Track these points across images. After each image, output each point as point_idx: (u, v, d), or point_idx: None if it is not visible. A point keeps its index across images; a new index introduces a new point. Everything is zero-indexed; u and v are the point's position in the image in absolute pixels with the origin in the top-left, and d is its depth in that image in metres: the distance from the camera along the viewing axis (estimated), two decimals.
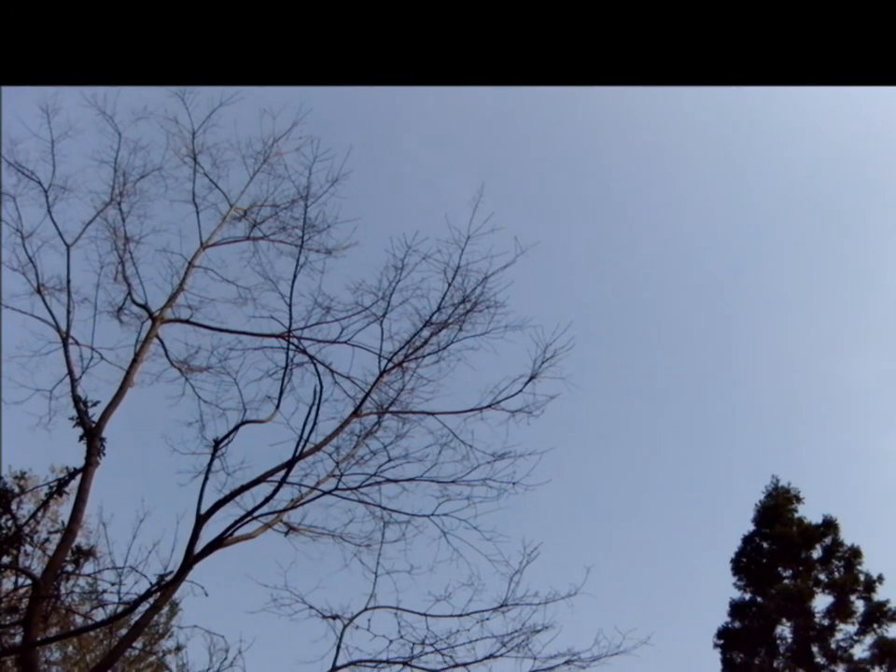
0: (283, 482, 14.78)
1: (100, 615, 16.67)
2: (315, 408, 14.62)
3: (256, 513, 14.75)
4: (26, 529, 17.10)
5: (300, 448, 14.76)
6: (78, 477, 15.99)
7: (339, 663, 14.70)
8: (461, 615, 15.20)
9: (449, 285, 16.38)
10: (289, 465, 14.82)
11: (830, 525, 38.16)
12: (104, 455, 16.19)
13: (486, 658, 14.98)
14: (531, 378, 16.25)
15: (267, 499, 14.67)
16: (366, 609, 15.31)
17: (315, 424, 14.77)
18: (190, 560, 14.50)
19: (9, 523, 17.03)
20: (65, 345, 17.33)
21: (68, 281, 17.96)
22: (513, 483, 15.87)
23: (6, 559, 17.02)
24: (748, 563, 38.62)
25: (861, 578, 36.94)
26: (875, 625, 35.90)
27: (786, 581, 37.38)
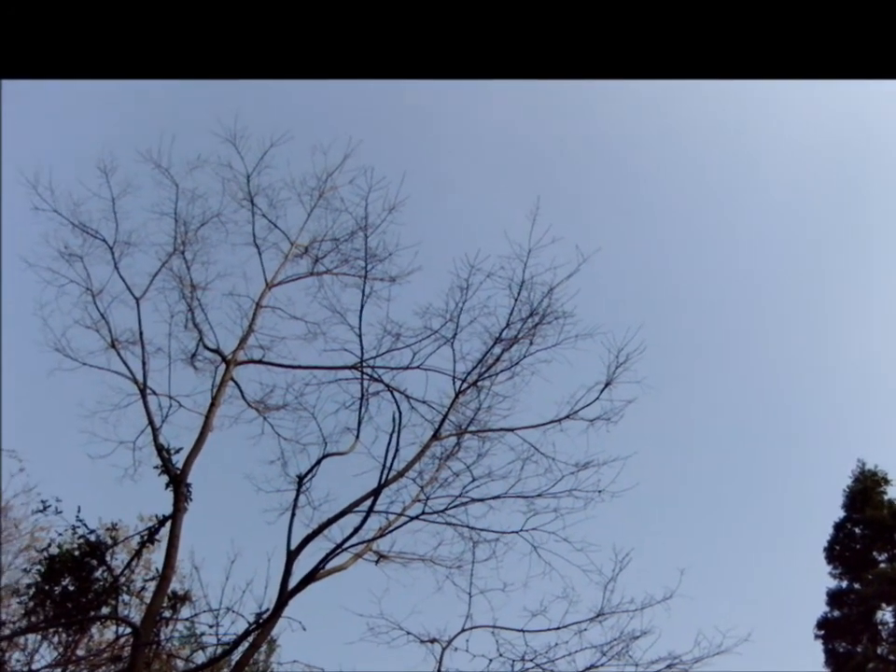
0: (370, 511, 14.88)
1: (200, 658, 16.91)
2: (395, 435, 14.74)
3: (346, 545, 14.91)
4: (122, 579, 17.44)
5: (384, 476, 14.87)
6: (168, 524, 16.26)
7: None
8: (558, 628, 15.13)
9: (515, 300, 16.43)
10: (375, 493, 14.92)
11: None
12: (191, 500, 16.44)
13: (587, 669, 14.90)
14: (606, 385, 16.20)
15: (356, 530, 14.77)
16: (463, 631, 15.30)
17: (397, 451, 14.90)
18: (285, 596, 14.64)
19: (105, 574, 17.38)
20: (144, 396, 17.66)
21: (140, 333, 18.33)
22: (599, 492, 15.79)
23: (105, 609, 17.36)
24: (841, 550, 37.79)
25: None
26: None
27: (882, 565, 36.49)
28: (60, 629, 17.19)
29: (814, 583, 37.07)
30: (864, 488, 37.97)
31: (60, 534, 17.53)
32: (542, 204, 16.37)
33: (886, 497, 37.82)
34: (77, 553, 17.17)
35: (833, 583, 37.87)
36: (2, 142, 17.27)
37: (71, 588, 17.02)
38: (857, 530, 37.88)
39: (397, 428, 14.72)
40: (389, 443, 14.75)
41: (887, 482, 38.25)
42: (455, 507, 15.76)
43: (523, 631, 15.15)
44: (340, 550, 14.85)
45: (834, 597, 37.34)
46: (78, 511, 17.56)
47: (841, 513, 38.84)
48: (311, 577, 14.77)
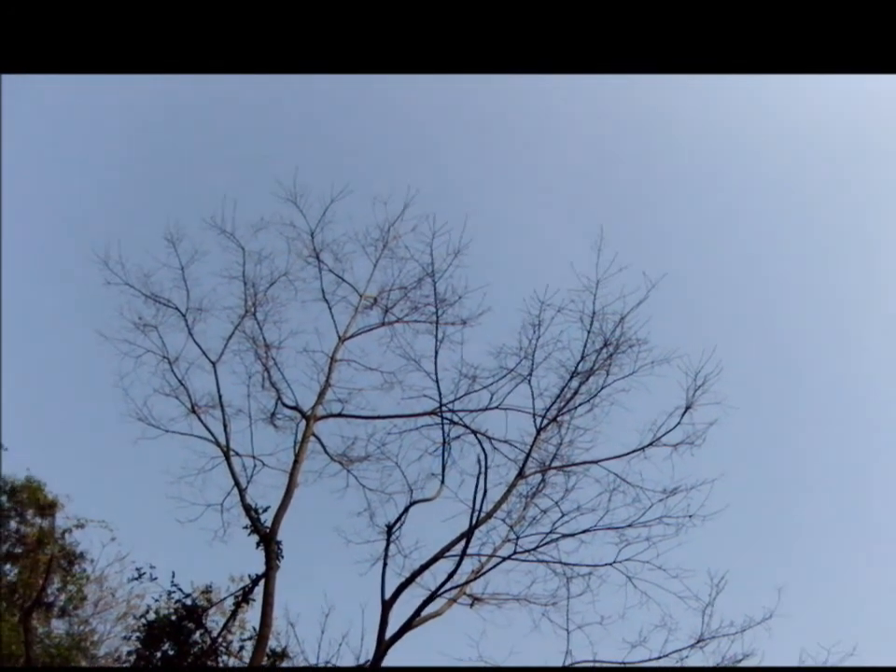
0: (464, 554, 14.90)
1: None
2: (482, 477, 14.77)
3: (441, 590, 14.93)
4: (220, 640, 17.57)
5: (474, 518, 14.89)
6: (261, 582, 16.40)
7: None
8: (660, 657, 14.94)
9: (588, 332, 16.46)
10: (468, 537, 14.95)
11: None
12: (282, 557, 16.56)
13: None
14: (687, 408, 16.07)
15: (451, 575, 14.81)
16: (563, 668, 15.15)
17: (485, 492, 14.92)
18: (383, 647, 14.68)
19: (204, 636, 17.54)
20: (227, 458, 17.94)
21: (219, 396, 18.69)
22: (690, 517, 15.62)
23: None
24: None
25: None
26: None
27: None
28: None
29: None
30: None
31: (156, 600, 17.76)
32: (606, 231, 16.47)
33: None
34: (174, 617, 17.33)
35: None
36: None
37: (171, 653, 17.15)
38: None
39: (483, 470, 14.76)
40: (477, 485, 14.80)
41: None
42: (546, 544, 15.72)
43: (623, 664, 14.99)
44: (436, 596, 14.89)
45: None
46: (173, 576, 17.81)
47: None
48: (408, 625, 14.81)
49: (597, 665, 15.09)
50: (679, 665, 14.97)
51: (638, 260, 16.87)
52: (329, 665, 16.01)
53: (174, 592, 17.69)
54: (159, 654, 17.18)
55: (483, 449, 15.24)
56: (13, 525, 24.55)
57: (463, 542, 15.12)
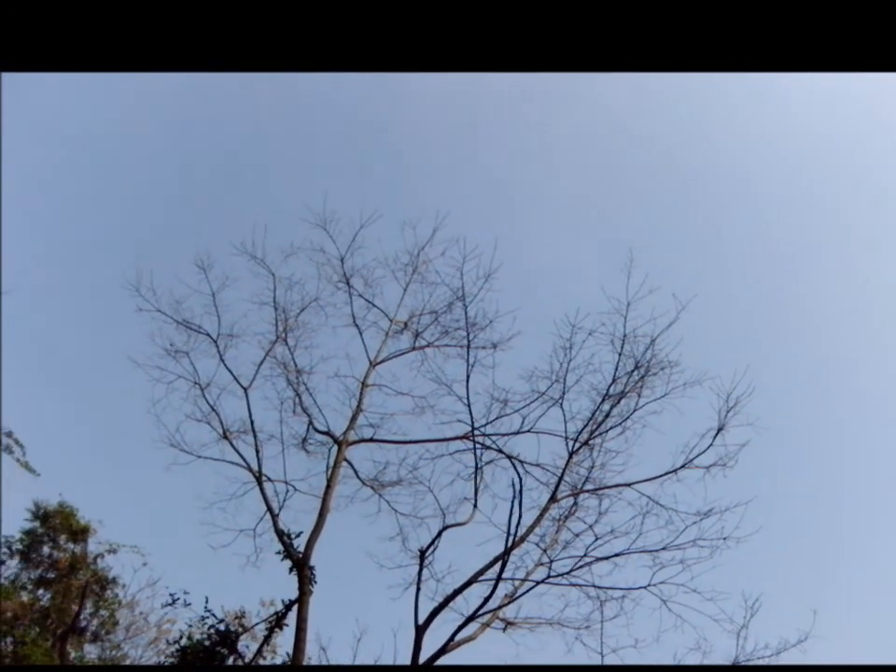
0: (499, 578, 14.90)
1: None
2: (517, 501, 14.80)
3: (476, 615, 14.93)
4: (253, 665, 17.58)
5: (510, 542, 14.89)
6: (294, 608, 16.42)
7: None
8: None
9: (619, 354, 16.47)
10: (503, 561, 14.95)
11: None
12: (315, 582, 16.57)
13: None
14: (719, 430, 16.02)
15: (487, 599, 14.82)
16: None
17: (520, 516, 14.95)
18: None
19: (237, 662, 17.56)
20: (260, 484, 18.01)
21: (251, 422, 18.73)
22: (724, 539, 15.54)
23: None
24: None
25: None
26: None
27: None
28: None
29: None
30: None
31: (189, 625, 17.82)
32: (635, 252, 16.51)
33: None
34: (207, 643, 17.38)
35: None
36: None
37: None
38: None
39: (517, 494, 14.79)
40: (511, 509, 14.83)
41: None
42: (579, 567, 15.69)
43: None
44: (471, 620, 14.89)
45: None
46: (206, 602, 17.88)
47: None
48: (443, 650, 14.79)
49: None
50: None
51: (669, 282, 16.92)
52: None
53: (207, 617, 17.77)
54: None
55: (519, 473, 15.29)
56: (46, 550, 24.83)
57: (497, 566, 15.15)
